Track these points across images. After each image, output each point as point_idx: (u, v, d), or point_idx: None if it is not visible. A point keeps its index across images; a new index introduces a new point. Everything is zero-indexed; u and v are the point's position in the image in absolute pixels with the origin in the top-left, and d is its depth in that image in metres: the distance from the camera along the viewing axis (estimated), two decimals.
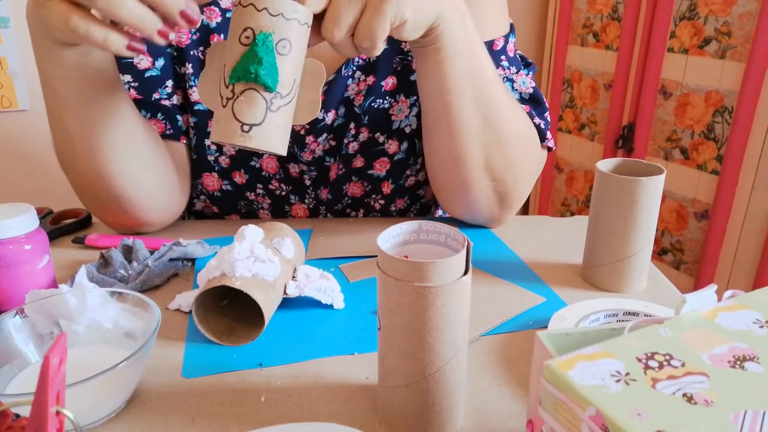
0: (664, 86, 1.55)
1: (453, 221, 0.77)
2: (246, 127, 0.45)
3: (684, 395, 0.26)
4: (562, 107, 1.92)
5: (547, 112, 0.71)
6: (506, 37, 0.69)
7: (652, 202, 0.55)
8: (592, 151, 1.83)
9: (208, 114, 0.70)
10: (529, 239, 0.71)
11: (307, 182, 0.76)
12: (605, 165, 0.58)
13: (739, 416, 0.24)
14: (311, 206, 0.78)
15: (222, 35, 0.68)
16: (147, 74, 0.67)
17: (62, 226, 0.72)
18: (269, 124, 0.46)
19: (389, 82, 0.71)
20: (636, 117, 1.63)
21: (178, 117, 0.70)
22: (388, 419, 0.41)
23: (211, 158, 0.73)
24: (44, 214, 0.75)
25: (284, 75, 0.46)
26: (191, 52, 0.68)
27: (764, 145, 1.34)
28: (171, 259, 0.62)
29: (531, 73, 0.72)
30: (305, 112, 0.49)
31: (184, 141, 0.72)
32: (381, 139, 0.73)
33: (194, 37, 0.68)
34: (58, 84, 0.55)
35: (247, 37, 0.44)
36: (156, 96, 0.68)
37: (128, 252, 0.63)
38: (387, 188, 0.78)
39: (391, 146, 0.74)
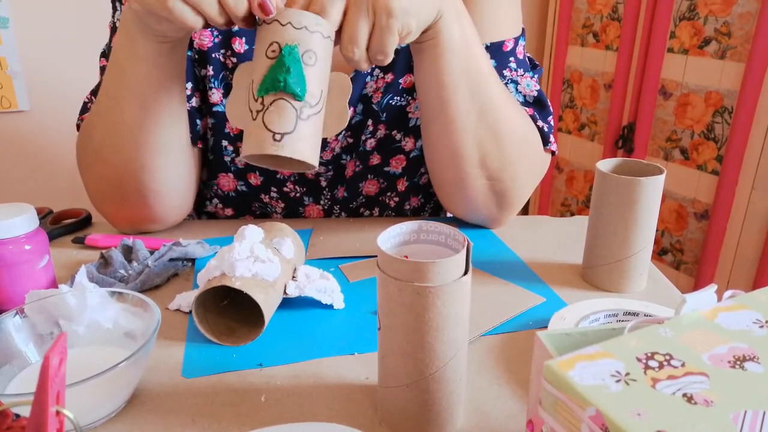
0: (664, 86, 1.55)
1: (456, 221, 0.77)
2: (278, 136, 0.46)
3: (684, 395, 0.26)
4: (562, 107, 1.92)
5: (551, 116, 0.72)
6: (516, 39, 0.70)
7: (652, 202, 0.55)
8: (592, 151, 1.83)
9: (226, 114, 0.71)
10: (529, 239, 0.71)
11: (323, 183, 0.76)
12: (605, 165, 0.58)
13: (739, 416, 0.24)
14: (326, 207, 0.78)
15: (243, 38, 0.68)
16: None
17: (62, 226, 0.72)
18: (300, 132, 0.46)
19: (407, 80, 0.71)
20: (636, 117, 1.63)
21: (198, 122, 0.71)
22: (388, 419, 0.41)
23: (227, 159, 0.74)
24: (44, 214, 0.75)
25: (312, 85, 0.46)
26: (213, 55, 0.69)
27: (764, 145, 1.34)
28: (171, 259, 0.62)
29: (537, 75, 0.73)
30: (334, 124, 0.50)
31: (200, 145, 0.73)
32: (398, 136, 0.74)
33: (216, 40, 0.69)
34: (133, 78, 0.57)
35: (273, 51, 0.46)
36: None
37: (128, 252, 0.63)
38: (402, 185, 0.79)
39: (407, 143, 0.75)
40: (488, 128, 0.62)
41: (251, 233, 0.54)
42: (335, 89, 0.50)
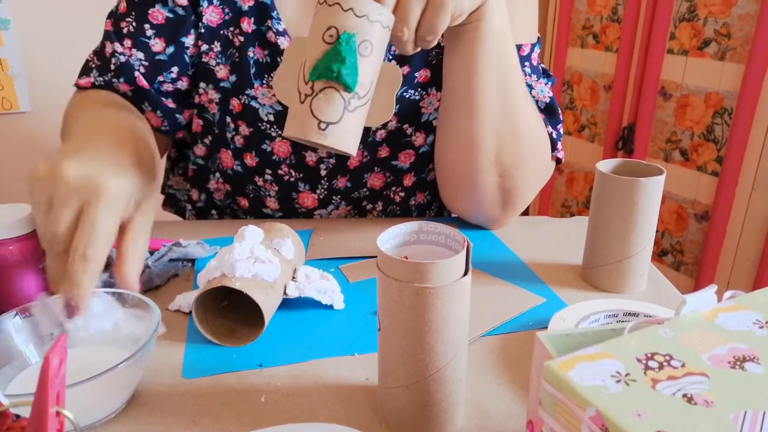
0: (664, 87, 1.55)
1: (456, 222, 0.77)
2: (323, 125, 0.46)
3: (684, 396, 0.26)
4: (562, 109, 1.93)
5: (561, 125, 0.73)
6: (533, 46, 0.71)
7: (652, 202, 0.55)
8: (592, 152, 1.83)
9: (231, 91, 0.72)
10: (529, 239, 0.71)
11: (323, 172, 0.76)
12: (605, 166, 0.58)
13: (739, 417, 0.24)
14: (321, 196, 0.78)
15: (252, 18, 0.69)
16: (157, 57, 0.69)
17: None
18: (345, 124, 0.46)
19: (423, 74, 0.72)
20: (636, 118, 1.63)
21: (178, 116, 0.72)
22: (388, 420, 0.41)
23: (229, 135, 0.75)
24: None
25: (363, 76, 0.46)
26: (221, 32, 0.69)
27: (764, 147, 1.34)
28: (171, 260, 0.62)
29: (550, 83, 0.73)
30: (378, 114, 0.49)
31: (180, 135, 0.74)
32: (409, 130, 0.75)
33: (226, 17, 0.69)
34: None
35: (331, 36, 0.45)
36: (160, 79, 0.70)
37: None
38: (408, 181, 0.79)
39: (418, 139, 0.75)
40: (508, 122, 0.63)
41: (251, 234, 0.54)
42: (385, 80, 0.49)
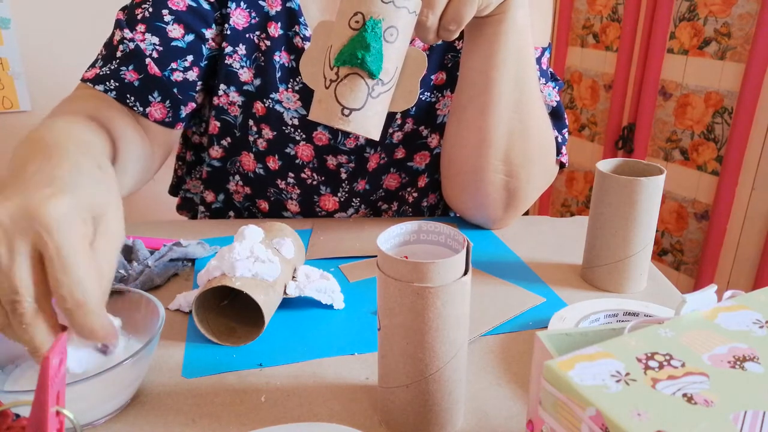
0: (664, 87, 1.55)
1: (456, 222, 0.77)
2: (346, 111, 0.46)
3: (684, 395, 0.26)
4: None
5: (566, 129, 0.73)
6: (543, 50, 0.71)
7: (652, 202, 0.55)
8: (592, 151, 1.83)
9: (255, 94, 0.72)
10: (529, 239, 0.71)
11: (343, 175, 0.76)
12: (605, 165, 0.58)
13: (739, 416, 0.24)
14: (342, 199, 0.78)
15: (279, 23, 0.69)
16: (173, 43, 0.67)
17: None
18: (368, 110, 0.47)
19: (438, 77, 0.73)
20: (636, 118, 1.63)
21: (182, 107, 0.70)
22: (388, 419, 0.41)
23: (251, 138, 0.75)
24: None
25: (388, 62, 0.47)
26: (247, 35, 0.69)
27: (764, 146, 1.34)
28: (171, 260, 0.62)
29: (558, 88, 0.73)
30: (402, 100, 0.50)
31: (179, 127, 0.71)
32: (424, 132, 0.75)
33: (253, 21, 0.69)
34: None
35: (357, 22, 0.45)
36: (173, 66, 0.68)
37: (128, 252, 0.63)
38: (422, 182, 0.80)
39: (433, 140, 0.76)
40: (521, 120, 0.63)
41: (251, 233, 0.54)
42: (410, 65, 0.49)
